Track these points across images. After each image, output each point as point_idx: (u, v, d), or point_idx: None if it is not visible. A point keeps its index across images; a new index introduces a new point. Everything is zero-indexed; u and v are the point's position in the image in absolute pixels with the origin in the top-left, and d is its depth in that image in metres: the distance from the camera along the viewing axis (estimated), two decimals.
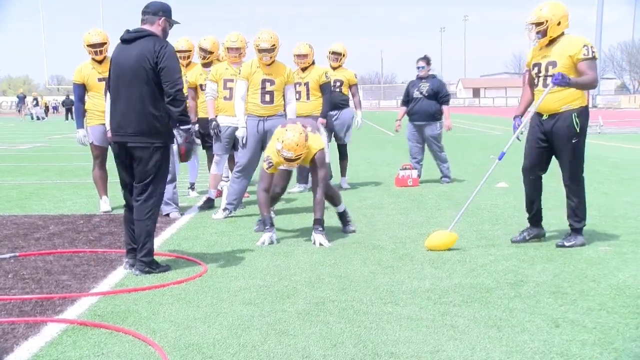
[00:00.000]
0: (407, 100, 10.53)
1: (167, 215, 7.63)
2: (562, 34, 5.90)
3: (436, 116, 10.21)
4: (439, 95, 10.23)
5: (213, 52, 8.65)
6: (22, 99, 48.43)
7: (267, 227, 6.27)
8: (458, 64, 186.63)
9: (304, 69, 9.17)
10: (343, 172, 10.21)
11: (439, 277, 5.06)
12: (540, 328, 3.92)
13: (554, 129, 5.95)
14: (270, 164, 6.29)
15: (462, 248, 5.97)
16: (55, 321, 4.09)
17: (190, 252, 5.90)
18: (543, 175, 6.32)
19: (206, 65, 8.63)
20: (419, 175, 10.29)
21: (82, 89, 7.90)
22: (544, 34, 5.85)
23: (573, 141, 5.99)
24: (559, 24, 5.82)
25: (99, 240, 6.52)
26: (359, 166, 13.02)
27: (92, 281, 5.03)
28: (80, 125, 8.00)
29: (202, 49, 8.60)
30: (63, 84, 76.61)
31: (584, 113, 5.96)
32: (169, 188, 7.39)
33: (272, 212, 7.48)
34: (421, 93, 10.26)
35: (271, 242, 6.20)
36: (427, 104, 10.21)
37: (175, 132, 5.29)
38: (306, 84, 9.12)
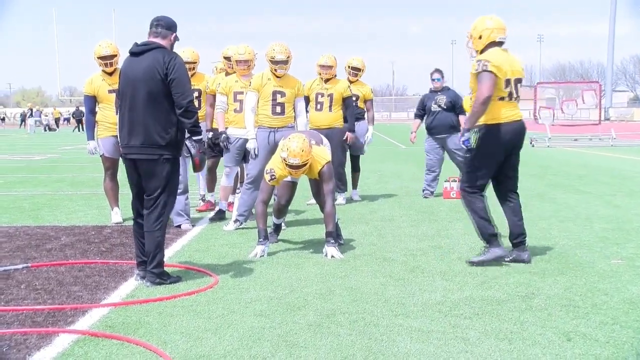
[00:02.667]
0: (422, 113, 10.55)
1: (179, 226, 7.65)
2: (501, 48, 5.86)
3: (456, 127, 10.19)
4: (457, 107, 10.23)
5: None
6: (31, 113, 49.03)
7: (260, 240, 6.28)
8: (469, 76, 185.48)
9: (326, 80, 9.21)
10: (355, 185, 10.21)
11: (450, 289, 5.05)
12: (551, 342, 3.90)
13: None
14: (273, 177, 6.30)
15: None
16: (67, 332, 4.10)
17: (201, 264, 5.91)
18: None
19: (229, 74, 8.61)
20: (431, 192, 10.30)
21: (92, 101, 7.95)
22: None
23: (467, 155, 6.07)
24: (479, 37, 5.85)
25: (110, 251, 6.55)
26: (370, 178, 13.02)
27: (103, 292, 5.05)
28: (91, 137, 8.05)
29: (226, 58, 8.60)
30: (75, 95, 77.08)
31: (483, 130, 5.78)
32: (180, 199, 7.42)
33: (282, 224, 7.51)
34: (439, 106, 10.27)
35: (262, 255, 6.21)
36: (445, 116, 10.23)
37: (187, 142, 5.31)
38: (330, 96, 9.16)
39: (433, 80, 10.44)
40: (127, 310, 4.56)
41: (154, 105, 5.16)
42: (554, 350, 3.76)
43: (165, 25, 5.34)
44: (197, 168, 5.52)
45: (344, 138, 9.23)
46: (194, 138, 5.30)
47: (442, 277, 5.42)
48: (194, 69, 8.69)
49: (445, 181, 10.20)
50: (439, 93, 10.36)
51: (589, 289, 5.01)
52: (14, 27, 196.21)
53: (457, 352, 3.75)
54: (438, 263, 5.90)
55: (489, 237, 5.87)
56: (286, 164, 6.12)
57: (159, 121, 5.17)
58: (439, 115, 10.25)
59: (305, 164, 6.13)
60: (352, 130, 9.31)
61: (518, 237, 6.02)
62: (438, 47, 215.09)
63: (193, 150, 5.33)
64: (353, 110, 9.29)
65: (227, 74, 8.55)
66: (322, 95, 9.16)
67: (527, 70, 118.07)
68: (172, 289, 5.11)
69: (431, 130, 10.42)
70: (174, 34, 5.38)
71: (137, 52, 5.30)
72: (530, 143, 23.81)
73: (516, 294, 4.89)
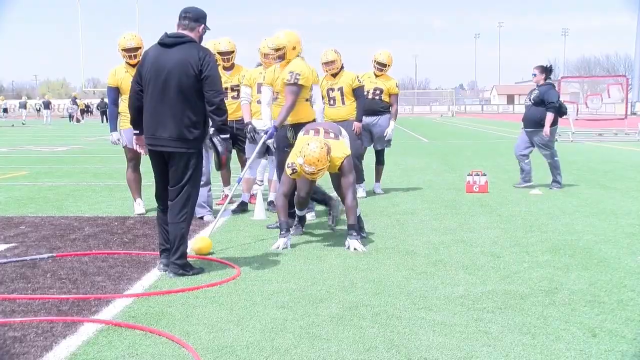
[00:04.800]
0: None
1: (202, 218, 7.68)
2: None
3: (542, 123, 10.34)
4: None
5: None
6: (46, 105, 49.42)
7: (282, 232, 6.29)
8: (492, 70, 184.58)
9: (334, 75, 9.18)
10: (378, 178, 10.18)
11: (473, 283, 5.02)
12: (576, 337, 3.87)
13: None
14: (294, 170, 6.30)
15: (496, 254, 5.92)
16: (91, 321, 4.14)
17: (224, 255, 5.93)
18: None
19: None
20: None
21: (116, 92, 7.99)
22: (282, 57, 6.77)
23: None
24: (293, 48, 6.78)
25: (133, 242, 6.59)
26: (393, 172, 12.98)
27: (126, 282, 5.09)
28: (114, 128, 8.10)
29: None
30: (98, 86, 77.57)
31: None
32: (203, 191, 7.44)
33: (312, 214, 7.54)
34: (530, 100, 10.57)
35: (285, 247, 6.21)
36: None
37: (215, 140, 5.28)
38: (340, 89, 9.12)
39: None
40: (150, 301, 4.59)
41: (185, 99, 5.16)
42: (579, 346, 3.72)
43: (194, 17, 5.32)
44: (222, 166, 5.50)
45: (352, 129, 9.16)
46: (222, 136, 5.29)
47: (465, 270, 5.39)
48: (232, 59, 8.59)
49: (467, 175, 10.14)
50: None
51: (615, 284, 4.95)
52: (40, 20, 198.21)
53: (479, 346, 3.73)
54: (461, 256, 5.87)
55: None
56: (302, 169, 6.12)
57: (188, 116, 5.17)
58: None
59: (320, 171, 6.12)
60: (360, 120, 9.22)
61: None
62: (461, 40, 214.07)
63: (221, 148, 5.29)
64: (363, 100, 9.20)
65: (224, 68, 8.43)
66: (333, 90, 9.13)
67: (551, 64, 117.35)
68: (194, 280, 5.13)
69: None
70: (203, 25, 5.36)
71: (168, 43, 5.27)
72: None
73: (539, 289, 4.85)
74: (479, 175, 10.01)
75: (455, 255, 5.91)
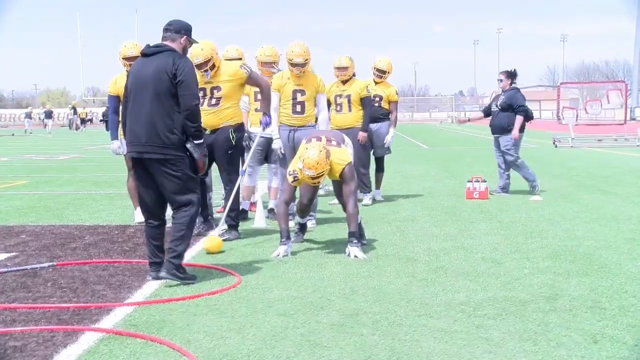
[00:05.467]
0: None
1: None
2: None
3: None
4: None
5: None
6: (48, 114, 50.57)
7: (282, 240, 6.29)
8: (492, 76, 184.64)
9: (344, 82, 9.20)
10: (378, 185, 10.19)
11: (474, 289, 5.02)
12: (577, 343, 3.86)
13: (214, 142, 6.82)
14: (296, 178, 6.31)
15: (497, 261, 5.92)
16: (92, 330, 4.14)
17: (224, 263, 5.93)
18: None
19: None
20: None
21: (116, 101, 7.99)
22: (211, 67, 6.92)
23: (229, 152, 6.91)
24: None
25: (133, 250, 6.59)
26: (393, 179, 12.98)
27: (127, 291, 5.08)
28: (115, 136, 8.10)
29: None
30: (98, 95, 77.77)
31: (240, 129, 7.03)
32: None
33: (313, 222, 7.54)
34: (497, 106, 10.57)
35: (286, 255, 6.21)
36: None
37: (189, 146, 5.27)
38: (347, 97, 9.16)
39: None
40: (150, 309, 4.59)
41: (160, 105, 5.18)
42: (580, 352, 3.72)
43: (175, 29, 5.40)
44: (199, 171, 5.45)
45: (357, 138, 9.17)
46: (196, 142, 5.30)
47: (466, 277, 5.39)
48: None
49: (468, 181, 10.15)
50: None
51: (616, 290, 4.95)
52: (40, 29, 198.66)
53: (480, 353, 3.72)
54: (461, 263, 5.87)
55: None
56: (303, 174, 6.14)
57: (164, 121, 5.18)
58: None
59: (320, 176, 6.14)
60: (365, 130, 9.27)
61: None
62: (460, 47, 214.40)
63: (196, 155, 5.30)
64: (369, 110, 9.26)
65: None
66: (340, 97, 9.18)
67: (550, 71, 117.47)
68: (195, 288, 5.13)
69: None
70: (185, 37, 5.41)
71: (148, 53, 5.36)
72: (554, 143, 23.62)
73: (540, 295, 4.85)
74: (479, 181, 10.02)
75: (456, 262, 5.91)
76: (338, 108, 9.22)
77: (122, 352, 3.77)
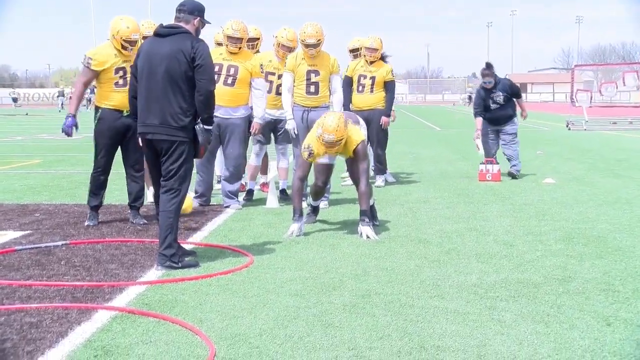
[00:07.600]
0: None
1: (228, 206, 7.65)
2: None
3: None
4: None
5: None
6: (61, 93, 52.32)
7: (295, 217, 6.29)
8: (505, 59, 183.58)
9: (371, 62, 9.14)
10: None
11: (486, 271, 5.01)
12: (590, 326, 3.85)
13: None
14: (311, 153, 6.29)
15: (509, 243, 5.90)
16: (105, 308, 4.16)
17: (237, 244, 5.94)
18: None
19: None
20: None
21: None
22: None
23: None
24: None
25: (146, 230, 6.62)
26: (404, 161, 12.95)
27: (139, 270, 5.11)
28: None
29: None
30: None
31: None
32: (225, 184, 7.66)
33: (325, 203, 7.55)
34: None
35: (299, 234, 6.22)
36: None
37: (197, 129, 5.22)
38: (372, 78, 9.12)
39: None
40: (163, 289, 4.61)
41: (175, 87, 5.14)
42: (593, 335, 3.71)
43: (188, 10, 5.31)
44: (200, 155, 5.39)
45: (380, 123, 9.17)
46: (206, 127, 5.26)
47: (478, 259, 5.38)
48: (257, 45, 8.39)
49: (481, 163, 10.11)
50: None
51: (630, 273, 4.93)
52: (53, 9, 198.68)
53: (492, 334, 3.72)
54: (474, 245, 5.86)
55: None
56: (322, 141, 6.12)
57: (178, 103, 5.14)
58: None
59: (340, 140, 6.11)
60: (388, 115, 9.26)
61: None
62: (474, 29, 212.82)
63: (201, 139, 5.24)
64: (393, 95, 9.28)
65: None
66: (365, 77, 9.13)
67: (565, 53, 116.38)
68: (207, 268, 5.14)
69: None
70: (198, 18, 5.33)
71: (162, 34, 5.28)
72: (567, 126, 23.45)
73: (553, 277, 4.83)
74: (491, 163, 9.97)
75: (468, 244, 5.90)
76: (360, 88, 9.16)
77: (135, 331, 3.79)
